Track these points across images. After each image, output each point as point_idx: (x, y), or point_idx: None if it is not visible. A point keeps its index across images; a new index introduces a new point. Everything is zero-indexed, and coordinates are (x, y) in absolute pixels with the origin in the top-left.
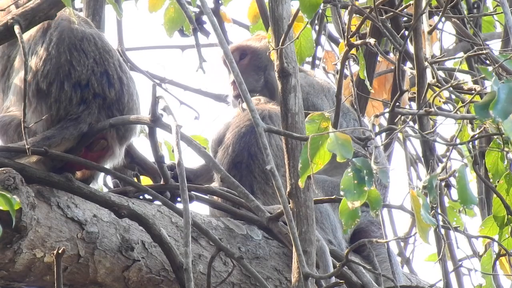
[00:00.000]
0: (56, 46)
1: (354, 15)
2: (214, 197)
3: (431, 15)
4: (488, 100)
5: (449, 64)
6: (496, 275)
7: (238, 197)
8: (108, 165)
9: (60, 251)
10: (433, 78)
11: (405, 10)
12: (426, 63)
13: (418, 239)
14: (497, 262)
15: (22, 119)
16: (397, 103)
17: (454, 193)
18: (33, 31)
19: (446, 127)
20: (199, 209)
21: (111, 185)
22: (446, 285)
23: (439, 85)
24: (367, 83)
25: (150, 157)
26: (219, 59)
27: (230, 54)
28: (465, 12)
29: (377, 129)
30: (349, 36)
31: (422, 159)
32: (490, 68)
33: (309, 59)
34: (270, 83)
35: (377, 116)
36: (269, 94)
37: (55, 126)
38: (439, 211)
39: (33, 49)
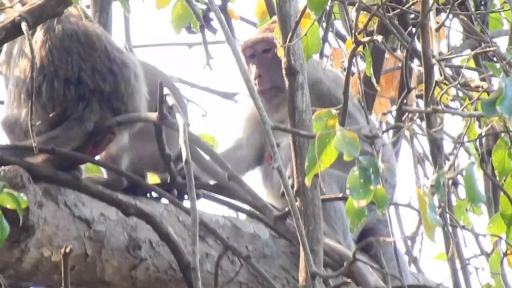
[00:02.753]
0: (39, 50)
1: (361, 12)
2: None
3: (438, 12)
4: (495, 97)
5: (456, 61)
6: (505, 275)
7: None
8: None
9: (67, 250)
10: (441, 75)
11: (412, 7)
12: (433, 61)
13: (425, 237)
14: (505, 261)
15: (29, 117)
16: (404, 101)
17: (461, 192)
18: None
19: (453, 125)
20: (207, 207)
21: None
22: (455, 284)
23: (446, 82)
24: (373, 80)
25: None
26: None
27: (238, 51)
28: (472, 9)
29: (384, 127)
30: (356, 33)
31: (429, 157)
32: (498, 65)
33: (316, 56)
34: None
35: (384, 114)
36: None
37: (60, 126)
38: (446, 209)
39: (22, 52)
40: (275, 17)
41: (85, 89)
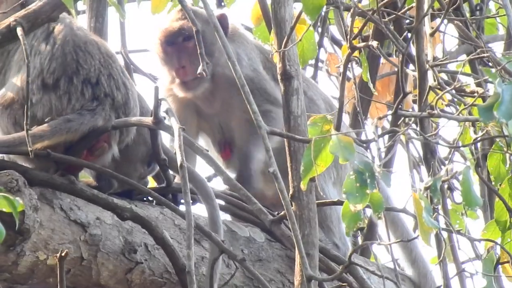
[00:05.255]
0: (61, 47)
1: (356, 17)
2: None
3: (433, 18)
4: (492, 102)
5: (452, 66)
6: (498, 277)
7: (241, 200)
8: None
9: (63, 254)
10: (434, 81)
11: (407, 12)
12: (427, 66)
13: (421, 241)
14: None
15: (25, 122)
16: (400, 106)
17: (457, 196)
18: (36, 31)
19: (448, 130)
20: (202, 211)
21: None
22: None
23: (440, 87)
24: (370, 85)
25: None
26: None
27: (233, 56)
28: (468, 15)
29: (380, 131)
30: (351, 39)
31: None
32: (493, 70)
33: (312, 61)
34: (218, 76)
35: (380, 118)
36: (214, 87)
37: (74, 112)
38: (441, 213)
39: (36, 48)
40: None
41: (101, 91)
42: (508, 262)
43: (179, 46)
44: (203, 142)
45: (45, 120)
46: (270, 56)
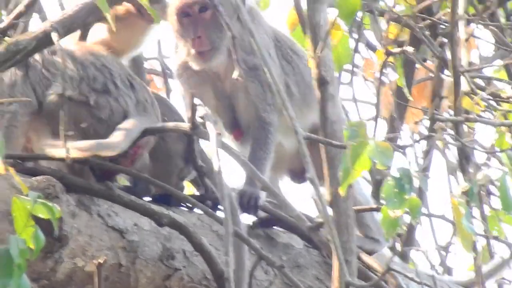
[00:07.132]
0: None
1: (391, 22)
2: None
3: (469, 23)
4: None
5: (488, 72)
6: None
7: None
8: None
9: (101, 261)
10: (469, 86)
11: (442, 17)
12: (461, 71)
13: (459, 248)
14: None
15: (61, 127)
16: (436, 110)
17: (495, 202)
18: None
19: (485, 136)
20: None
21: None
22: None
23: (473, 93)
24: (406, 90)
25: None
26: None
27: (268, 61)
28: (503, 20)
29: (417, 137)
30: (386, 44)
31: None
32: None
33: (349, 66)
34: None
35: (416, 123)
36: (228, 65)
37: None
38: (479, 218)
39: None
40: None
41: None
42: None
43: (195, 17)
44: None
45: (81, 126)
46: (279, 34)
